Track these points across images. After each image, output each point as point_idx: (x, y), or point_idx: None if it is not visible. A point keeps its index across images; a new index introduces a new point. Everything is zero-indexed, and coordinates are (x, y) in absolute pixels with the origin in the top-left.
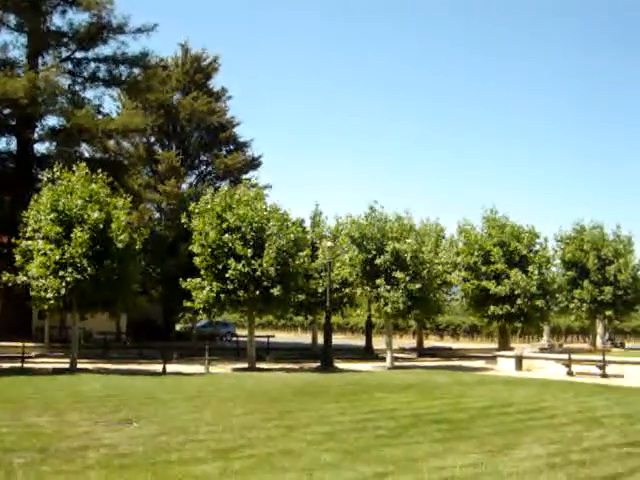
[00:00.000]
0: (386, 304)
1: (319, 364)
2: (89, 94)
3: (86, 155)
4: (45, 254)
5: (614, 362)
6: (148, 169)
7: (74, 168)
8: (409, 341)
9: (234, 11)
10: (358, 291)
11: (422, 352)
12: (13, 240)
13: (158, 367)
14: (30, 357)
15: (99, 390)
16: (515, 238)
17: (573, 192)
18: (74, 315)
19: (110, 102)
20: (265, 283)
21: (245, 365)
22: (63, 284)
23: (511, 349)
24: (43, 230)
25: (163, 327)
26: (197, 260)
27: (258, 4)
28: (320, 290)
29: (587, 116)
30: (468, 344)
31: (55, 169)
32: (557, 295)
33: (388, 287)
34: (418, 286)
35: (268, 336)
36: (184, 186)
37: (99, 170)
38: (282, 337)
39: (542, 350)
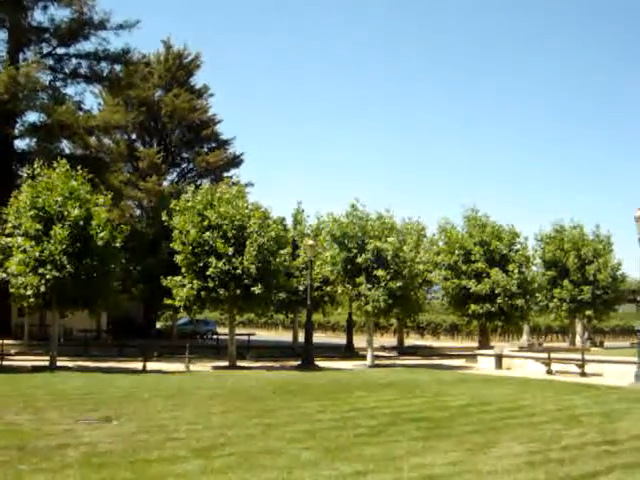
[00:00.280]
0: (367, 302)
1: (300, 362)
2: (70, 90)
3: (67, 152)
4: (25, 251)
5: (593, 361)
6: (129, 166)
7: (54, 165)
8: (390, 339)
9: (216, 8)
10: (339, 289)
11: (403, 350)
12: None
13: (138, 365)
14: (9, 355)
15: (79, 388)
16: (496, 237)
17: (553, 192)
18: (54, 313)
19: (91, 98)
20: (246, 281)
21: (226, 363)
22: (43, 281)
23: (491, 348)
24: (23, 227)
25: (144, 325)
26: (178, 258)
27: (240, 1)
28: (301, 288)
29: (567, 116)
30: (449, 343)
31: (35, 165)
32: (537, 294)
33: (369, 285)
34: (399, 284)
35: (249, 334)
36: (165, 183)
37: (80, 167)
38: (263, 335)
39: (522, 349)
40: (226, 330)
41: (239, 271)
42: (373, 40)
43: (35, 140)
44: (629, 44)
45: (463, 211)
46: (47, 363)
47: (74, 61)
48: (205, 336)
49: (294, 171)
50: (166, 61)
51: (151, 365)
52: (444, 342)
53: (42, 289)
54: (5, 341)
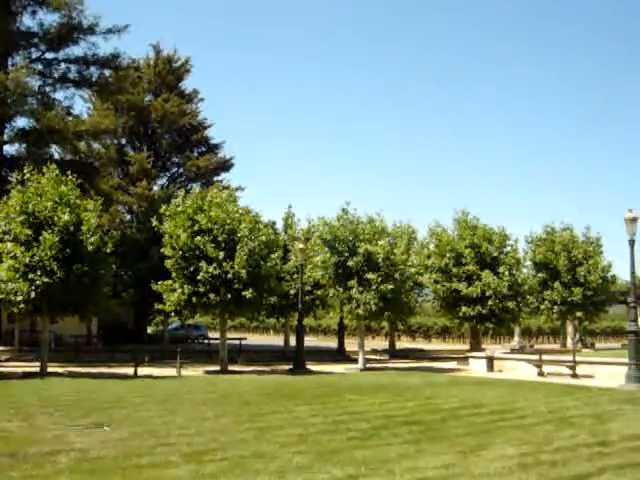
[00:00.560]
0: (358, 306)
1: (291, 366)
2: (59, 95)
3: (56, 157)
4: (14, 257)
5: (584, 362)
6: (119, 171)
7: (44, 170)
8: (381, 343)
9: (206, 12)
10: (330, 293)
11: (394, 354)
12: None
13: (129, 370)
14: (0, 361)
15: (70, 394)
16: (486, 240)
17: (544, 194)
18: (44, 318)
19: (81, 103)
20: (237, 286)
21: (217, 368)
22: (33, 287)
23: (482, 350)
24: (12, 232)
25: (134, 330)
26: (168, 263)
27: (230, 5)
28: (292, 292)
29: (558, 118)
30: (440, 345)
31: (25, 171)
32: (528, 296)
33: (360, 289)
34: (390, 287)
35: (240, 338)
36: (155, 188)
37: (69, 172)
38: (254, 339)
39: (513, 351)
40: (217, 334)
41: (230, 275)
42: (363, 41)
43: (24, 145)
44: (622, 44)
45: (454, 214)
46: (38, 369)
47: (63, 66)
48: (196, 341)
49: (285, 175)
50: (156, 66)
51: (142, 370)
52: (435, 345)
53: (32, 295)
54: None
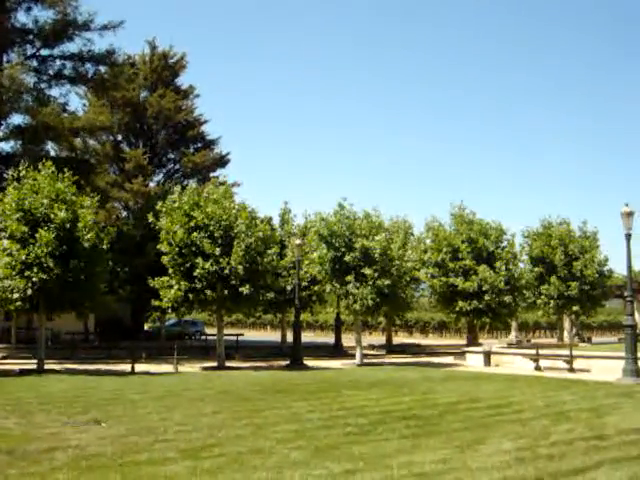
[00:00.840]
0: (355, 301)
1: (288, 362)
2: (55, 92)
3: (52, 154)
4: (11, 254)
5: (581, 357)
6: (115, 167)
7: (40, 167)
8: (378, 338)
9: (201, 8)
10: (327, 288)
11: (391, 349)
12: None
13: (126, 367)
14: None
15: (67, 391)
16: (483, 235)
17: (541, 189)
18: (41, 315)
19: (76, 100)
20: (233, 282)
21: (214, 364)
22: (29, 284)
23: (479, 345)
24: (8, 230)
25: (131, 326)
26: (165, 259)
27: (225, 1)
28: (289, 288)
29: (555, 112)
30: (437, 340)
31: (21, 168)
32: (524, 291)
33: (357, 284)
34: (387, 283)
35: (237, 334)
36: (152, 184)
37: (65, 169)
38: (251, 335)
39: (510, 345)
40: (214, 331)
41: (226, 272)
42: (358, 37)
43: (20, 142)
44: (615, 38)
45: (450, 209)
46: (35, 366)
47: (58, 62)
48: (193, 337)
49: (281, 171)
50: (151, 62)
51: (139, 367)
52: (432, 340)
53: (29, 292)
54: None
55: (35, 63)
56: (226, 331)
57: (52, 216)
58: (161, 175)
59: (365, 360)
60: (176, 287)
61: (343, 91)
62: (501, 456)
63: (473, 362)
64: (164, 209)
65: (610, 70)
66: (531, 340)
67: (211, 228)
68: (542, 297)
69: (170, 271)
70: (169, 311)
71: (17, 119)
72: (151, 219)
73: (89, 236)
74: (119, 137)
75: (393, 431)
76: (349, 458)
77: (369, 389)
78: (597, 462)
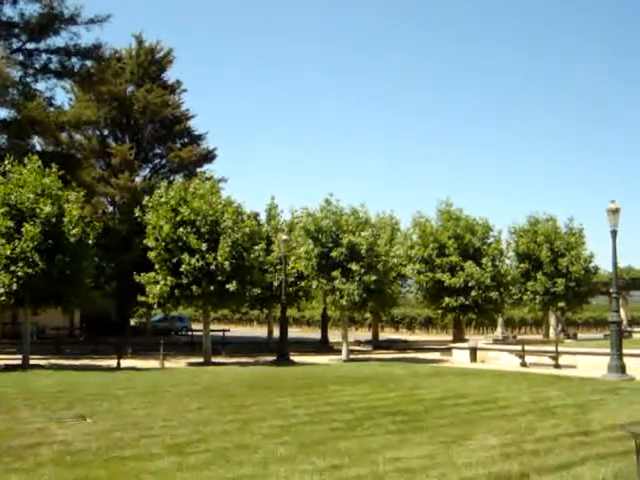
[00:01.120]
0: (341, 296)
1: (275, 358)
2: (41, 86)
3: (38, 148)
4: None
5: (567, 353)
6: (101, 162)
7: (26, 161)
8: (365, 334)
9: (189, 3)
10: (314, 284)
11: (377, 345)
12: None
13: (112, 362)
14: None
15: (52, 386)
16: (469, 231)
17: (527, 185)
18: (26, 310)
19: (62, 94)
20: (220, 277)
21: (200, 359)
22: (14, 279)
23: (466, 341)
24: None
25: (117, 322)
26: (151, 254)
27: None
28: (275, 283)
29: (541, 110)
30: (423, 336)
31: (6, 162)
32: (511, 287)
33: (344, 280)
34: (373, 278)
35: (223, 330)
36: (138, 179)
37: (51, 163)
38: (238, 331)
39: (496, 341)
40: (200, 326)
41: (213, 267)
42: (346, 34)
43: (6, 136)
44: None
45: (437, 205)
46: (20, 362)
47: (44, 56)
48: (180, 333)
49: (268, 167)
50: (138, 56)
51: (125, 362)
52: (419, 336)
53: (14, 287)
54: None
55: (21, 57)
56: (212, 327)
57: (38, 211)
58: (147, 170)
59: (351, 356)
60: (162, 283)
61: (330, 87)
62: (486, 451)
63: (459, 358)
64: (150, 204)
65: (595, 68)
66: (517, 336)
67: (197, 223)
68: (528, 293)
69: (156, 267)
70: (155, 307)
71: (2, 113)
72: (137, 214)
73: (75, 231)
74: (105, 132)
75: (379, 427)
76: (335, 453)
77: (355, 385)
78: (582, 458)
